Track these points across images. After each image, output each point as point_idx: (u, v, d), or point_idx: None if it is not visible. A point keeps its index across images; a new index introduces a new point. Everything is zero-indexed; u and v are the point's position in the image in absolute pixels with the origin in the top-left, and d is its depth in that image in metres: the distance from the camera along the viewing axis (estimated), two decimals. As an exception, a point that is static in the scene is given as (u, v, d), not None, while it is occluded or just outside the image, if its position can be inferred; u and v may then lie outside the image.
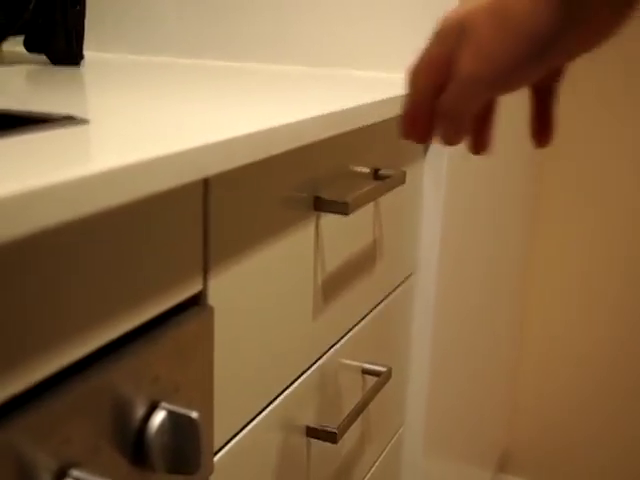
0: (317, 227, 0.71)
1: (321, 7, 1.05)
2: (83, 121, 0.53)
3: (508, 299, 1.64)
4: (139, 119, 0.56)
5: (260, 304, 0.64)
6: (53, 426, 0.42)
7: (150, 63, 1.06)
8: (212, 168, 0.48)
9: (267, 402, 0.68)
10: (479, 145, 0.61)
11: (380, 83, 0.93)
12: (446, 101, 0.53)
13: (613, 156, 1.68)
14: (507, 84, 0.51)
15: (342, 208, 0.68)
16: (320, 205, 0.69)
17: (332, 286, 0.77)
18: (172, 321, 0.52)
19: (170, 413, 0.49)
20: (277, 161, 0.63)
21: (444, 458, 1.30)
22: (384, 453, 1.04)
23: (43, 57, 0.98)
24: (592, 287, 1.76)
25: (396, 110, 0.82)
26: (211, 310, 0.55)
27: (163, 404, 0.50)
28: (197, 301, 0.55)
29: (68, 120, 0.53)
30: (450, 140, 0.55)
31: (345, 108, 0.68)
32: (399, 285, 0.99)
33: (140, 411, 0.49)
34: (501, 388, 1.73)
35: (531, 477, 1.92)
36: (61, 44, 0.93)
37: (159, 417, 0.49)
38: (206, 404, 0.56)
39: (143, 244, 0.48)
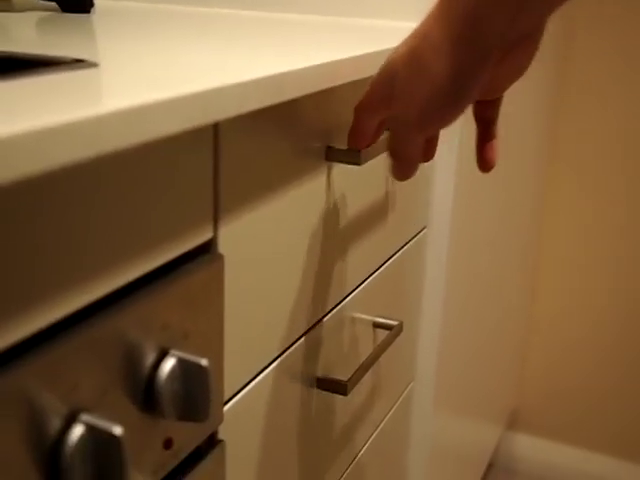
0: (329, 177, 0.70)
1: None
2: (92, 64, 0.52)
3: (520, 257, 1.63)
4: (149, 63, 0.55)
5: (271, 254, 0.63)
6: (62, 371, 0.41)
7: (160, 11, 1.05)
8: (223, 112, 0.47)
9: (277, 353, 0.67)
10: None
11: (391, 32, 0.91)
12: (390, 144, 0.60)
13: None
14: (435, 124, 0.57)
15: (355, 158, 0.67)
16: (332, 155, 0.68)
17: (344, 238, 0.76)
18: (182, 269, 0.52)
19: (180, 360, 0.49)
20: (289, 109, 0.62)
21: (454, 414, 1.30)
22: (394, 408, 1.04)
23: (53, 4, 0.97)
24: (604, 249, 1.75)
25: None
26: (221, 258, 0.55)
27: (173, 351, 0.50)
28: (207, 249, 0.54)
29: (77, 63, 0.52)
30: (403, 176, 0.62)
31: (353, 56, 0.67)
32: (412, 239, 0.99)
33: (150, 358, 0.48)
34: (511, 346, 1.73)
35: (540, 435, 1.93)
36: (71, -9, 0.92)
37: (169, 364, 0.49)
38: (216, 353, 0.55)
39: (152, 189, 0.47)
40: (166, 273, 0.50)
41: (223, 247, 0.56)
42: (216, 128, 0.53)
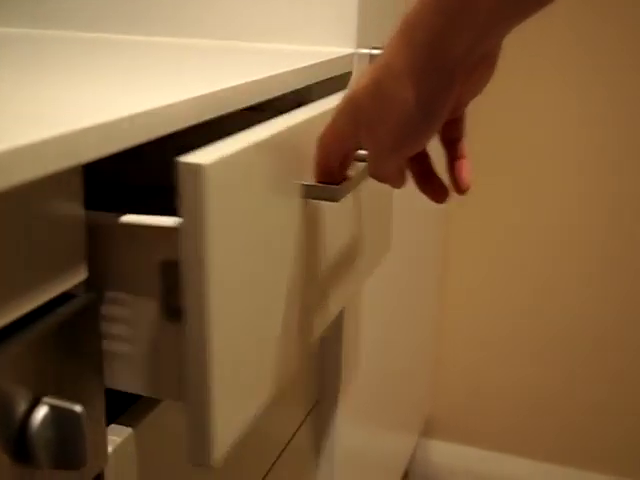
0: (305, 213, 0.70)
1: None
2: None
3: (427, 262, 1.65)
4: (19, 101, 0.53)
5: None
6: None
7: (50, 37, 1.03)
8: (88, 154, 0.46)
9: (167, 386, 0.66)
10: (437, 195, 0.66)
11: (291, 55, 0.91)
12: (369, 170, 0.61)
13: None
14: (408, 147, 0.57)
15: (331, 194, 0.66)
16: (308, 192, 0.67)
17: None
18: (57, 311, 0.51)
19: (53, 407, 0.48)
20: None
21: (365, 425, 1.31)
22: (303, 424, 1.04)
23: None
24: (513, 245, 1.79)
25: (295, 83, 0.81)
26: (95, 299, 0.54)
27: (46, 398, 0.48)
28: (81, 290, 0.53)
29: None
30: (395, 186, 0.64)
31: (234, 85, 0.67)
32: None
33: (22, 406, 0.47)
34: (423, 353, 1.75)
35: (456, 441, 1.96)
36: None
37: (41, 412, 0.48)
38: (94, 396, 0.54)
39: (22, 233, 0.46)
40: (39, 317, 0.49)
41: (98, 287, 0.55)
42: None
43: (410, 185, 0.67)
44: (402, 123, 0.55)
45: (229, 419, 0.56)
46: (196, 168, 0.49)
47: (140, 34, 1.08)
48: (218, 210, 0.51)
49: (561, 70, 1.65)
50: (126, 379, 0.60)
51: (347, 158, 0.64)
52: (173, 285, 0.56)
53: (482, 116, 1.71)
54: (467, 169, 0.66)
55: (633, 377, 1.78)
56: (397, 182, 0.63)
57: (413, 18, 0.53)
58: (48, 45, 0.94)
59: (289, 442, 0.99)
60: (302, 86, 0.85)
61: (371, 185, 0.89)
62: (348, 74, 0.98)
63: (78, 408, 0.48)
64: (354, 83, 0.58)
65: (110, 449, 0.58)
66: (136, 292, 0.57)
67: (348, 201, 0.81)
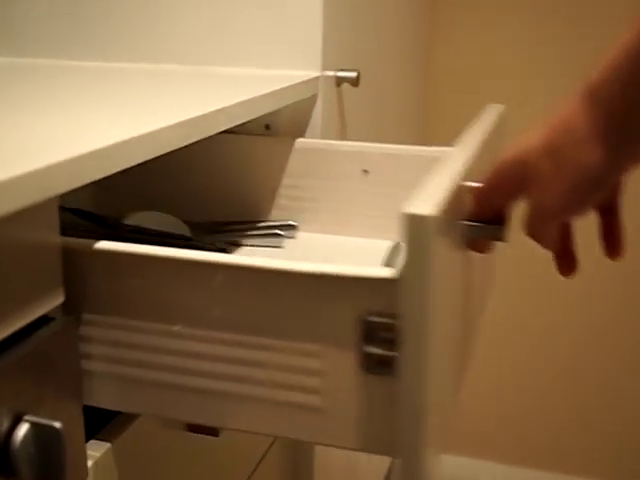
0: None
1: (197, 3, 1.06)
2: None
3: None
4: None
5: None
6: None
7: (22, 65, 1.06)
8: (59, 187, 0.50)
9: (144, 402, 0.69)
10: (565, 267, 0.66)
11: (258, 80, 0.95)
12: (527, 228, 0.61)
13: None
14: (572, 212, 0.57)
15: None
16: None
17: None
18: (35, 335, 0.54)
19: (34, 424, 0.51)
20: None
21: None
22: (276, 442, 1.07)
23: None
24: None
25: (263, 108, 0.84)
26: (73, 322, 0.57)
27: (27, 416, 0.51)
28: (58, 314, 0.57)
29: None
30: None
31: (204, 114, 0.70)
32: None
33: (4, 424, 0.50)
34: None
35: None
36: None
37: (23, 429, 0.51)
38: (73, 413, 0.57)
39: (3, 261, 0.49)
40: (18, 340, 0.52)
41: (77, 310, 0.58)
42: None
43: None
44: (579, 188, 0.55)
45: (434, 470, 0.57)
46: (421, 220, 0.49)
47: (106, 60, 1.11)
48: (437, 260, 0.51)
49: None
50: (315, 430, 0.60)
51: (504, 208, 0.63)
52: (371, 337, 0.56)
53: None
54: (622, 242, 0.65)
55: None
56: (551, 244, 0.62)
57: (603, 87, 0.52)
58: (13, 74, 0.96)
59: (262, 459, 1.02)
60: (274, 109, 0.89)
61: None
62: (314, 96, 1.01)
63: (57, 424, 0.51)
64: (523, 138, 0.58)
65: (90, 463, 0.61)
66: (331, 344, 0.57)
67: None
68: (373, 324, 0.55)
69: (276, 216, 0.99)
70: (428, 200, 0.51)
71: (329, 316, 0.56)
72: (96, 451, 0.63)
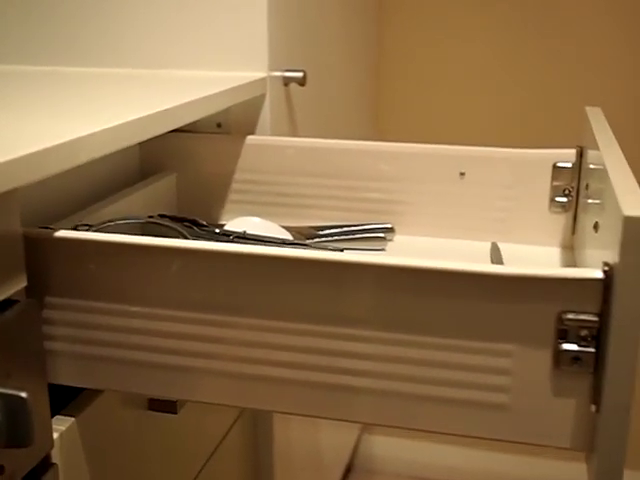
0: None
1: (148, 8, 1.12)
2: None
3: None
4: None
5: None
6: None
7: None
8: (19, 180, 0.55)
9: (106, 381, 0.75)
10: None
11: (208, 81, 1.01)
12: None
13: (452, 130, 1.81)
14: None
15: None
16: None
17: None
18: (1, 316, 0.59)
19: (2, 395, 0.57)
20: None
21: (303, 422, 1.39)
22: (237, 423, 1.12)
23: None
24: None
25: (214, 107, 0.90)
26: (35, 303, 0.62)
27: (-4, 388, 0.57)
28: (22, 297, 0.62)
29: None
30: None
31: (161, 110, 0.76)
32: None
33: (-25, 396, 0.56)
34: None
35: (395, 435, 2.05)
36: None
37: (-8, 399, 0.56)
38: (38, 387, 0.63)
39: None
40: (-15, 321, 0.58)
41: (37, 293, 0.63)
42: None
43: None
44: None
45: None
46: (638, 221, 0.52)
47: (64, 65, 1.17)
48: None
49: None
50: (501, 426, 0.62)
51: None
52: (569, 334, 0.58)
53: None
54: None
55: None
56: None
57: None
58: (-16, 81, 1.01)
59: (222, 441, 1.07)
60: (222, 108, 0.95)
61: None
62: (262, 96, 1.07)
63: (24, 394, 0.57)
64: None
65: (55, 435, 0.67)
66: (525, 343, 0.59)
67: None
68: (571, 322, 0.57)
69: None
70: (638, 202, 0.54)
71: (526, 316, 0.59)
72: (62, 425, 0.68)
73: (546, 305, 0.58)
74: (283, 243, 0.89)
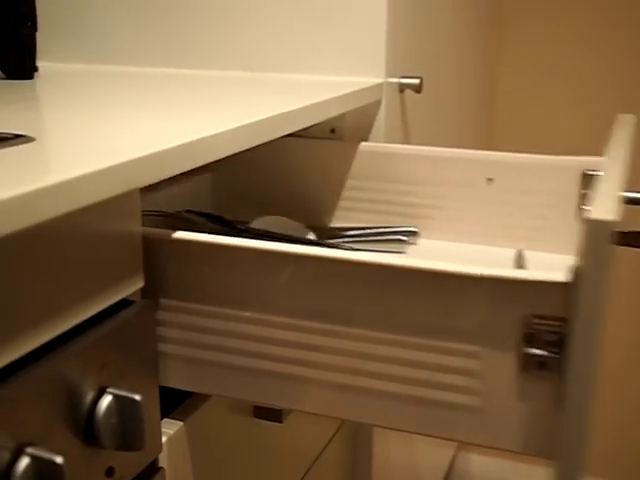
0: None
1: (266, 12, 1.11)
2: (30, 139, 0.59)
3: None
4: (82, 133, 0.62)
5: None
6: (10, 409, 0.48)
7: (100, 72, 1.12)
8: (143, 179, 0.54)
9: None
10: None
11: (324, 86, 0.99)
12: None
13: (564, 140, 1.75)
14: None
15: None
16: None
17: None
18: (118, 315, 0.59)
19: (116, 396, 0.56)
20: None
21: (401, 437, 1.36)
22: (338, 433, 1.10)
23: (-1, 72, 1.04)
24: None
25: (330, 112, 0.89)
26: (152, 304, 0.62)
27: (110, 389, 0.56)
28: (139, 297, 0.61)
29: (17, 139, 0.59)
30: None
31: (278, 114, 0.74)
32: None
33: (90, 395, 0.55)
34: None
35: (492, 454, 2.00)
36: (15, 59, 0.99)
37: (106, 400, 0.55)
38: (150, 389, 0.62)
39: (89, 247, 0.54)
40: (103, 319, 0.57)
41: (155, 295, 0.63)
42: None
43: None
44: None
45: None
46: (603, 225, 0.51)
47: (172, 67, 1.17)
48: (610, 265, 0.53)
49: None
50: (469, 429, 0.61)
51: None
52: (534, 339, 0.57)
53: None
54: None
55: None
56: None
57: None
58: (97, 79, 1.03)
59: (322, 452, 1.05)
60: (339, 113, 0.93)
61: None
62: (378, 102, 1.05)
63: (137, 397, 0.56)
64: None
65: (164, 439, 0.66)
66: (491, 345, 0.58)
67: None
68: (537, 326, 0.56)
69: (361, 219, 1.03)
70: (608, 207, 0.53)
71: (492, 319, 0.58)
72: (170, 429, 0.67)
73: (511, 308, 0.57)
74: (299, 241, 0.87)
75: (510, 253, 0.95)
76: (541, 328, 0.56)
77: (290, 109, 0.79)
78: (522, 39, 1.72)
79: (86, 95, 0.87)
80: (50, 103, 0.81)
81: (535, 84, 1.73)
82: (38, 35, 1.01)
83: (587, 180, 0.91)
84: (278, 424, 0.88)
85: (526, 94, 1.75)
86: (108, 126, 0.67)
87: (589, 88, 1.70)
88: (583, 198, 0.92)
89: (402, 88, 1.12)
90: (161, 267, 0.65)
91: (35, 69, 1.01)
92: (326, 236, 0.99)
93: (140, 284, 0.61)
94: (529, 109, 1.75)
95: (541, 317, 0.56)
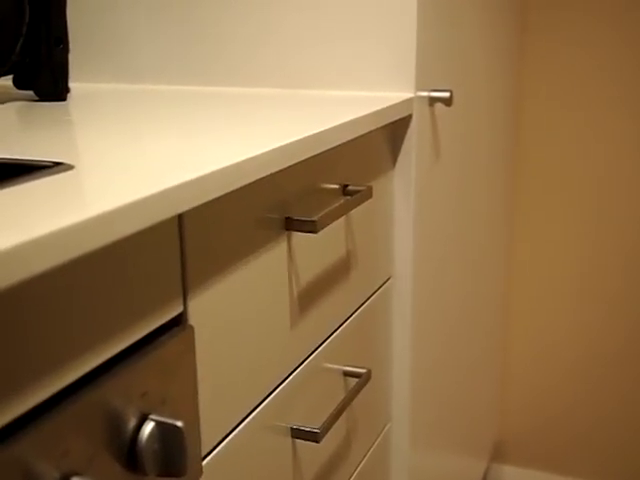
0: (289, 244, 0.78)
1: (294, 29, 1.11)
2: (69, 167, 0.59)
3: (491, 294, 1.70)
4: (119, 159, 0.62)
5: (238, 319, 0.70)
6: (55, 439, 0.48)
7: (131, 91, 1.13)
8: (184, 205, 0.54)
9: (251, 408, 0.74)
10: None
11: (354, 102, 0.99)
12: None
13: (590, 153, 1.74)
14: None
15: (311, 227, 0.74)
16: (290, 225, 0.76)
17: (307, 297, 0.83)
18: (157, 341, 0.58)
19: (158, 423, 0.56)
20: (247, 188, 0.69)
21: (434, 451, 1.36)
22: (371, 450, 1.10)
23: (31, 93, 1.04)
24: (574, 279, 1.82)
25: (361, 129, 0.88)
26: (191, 329, 0.62)
27: (152, 415, 0.56)
28: (178, 322, 0.61)
29: (56, 167, 0.59)
30: None
31: (309, 135, 0.74)
32: (376, 291, 1.06)
33: (132, 422, 0.55)
34: (490, 379, 1.79)
35: (526, 466, 1.98)
36: (47, 81, 0.99)
37: (149, 427, 0.55)
38: (191, 414, 0.62)
39: (127, 275, 0.54)
40: (143, 346, 0.57)
41: (193, 319, 0.62)
42: (180, 214, 0.60)
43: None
44: None
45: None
46: None
47: (204, 85, 1.18)
48: None
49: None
50: None
51: None
52: None
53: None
54: None
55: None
56: None
57: None
58: (129, 99, 1.03)
59: (358, 466, 1.05)
60: (369, 130, 0.93)
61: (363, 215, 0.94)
62: (409, 117, 1.05)
63: (179, 423, 0.55)
64: None
65: (204, 463, 0.66)
66: None
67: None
68: None
69: None
70: None
71: None
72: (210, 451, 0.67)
73: None
74: None
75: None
76: None
77: (329, 126, 0.79)
78: (548, 50, 1.71)
79: (120, 116, 0.87)
80: (85, 126, 0.81)
81: (562, 94, 1.72)
82: (69, 56, 1.02)
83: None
84: (315, 444, 0.88)
85: (552, 106, 1.74)
86: (146, 148, 0.67)
87: (622, 99, 1.69)
88: None
89: (432, 102, 1.12)
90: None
91: (67, 90, 1.02)
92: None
93: (180, 309, 0.61)
94: (556, 121, 1.74)
95: None
